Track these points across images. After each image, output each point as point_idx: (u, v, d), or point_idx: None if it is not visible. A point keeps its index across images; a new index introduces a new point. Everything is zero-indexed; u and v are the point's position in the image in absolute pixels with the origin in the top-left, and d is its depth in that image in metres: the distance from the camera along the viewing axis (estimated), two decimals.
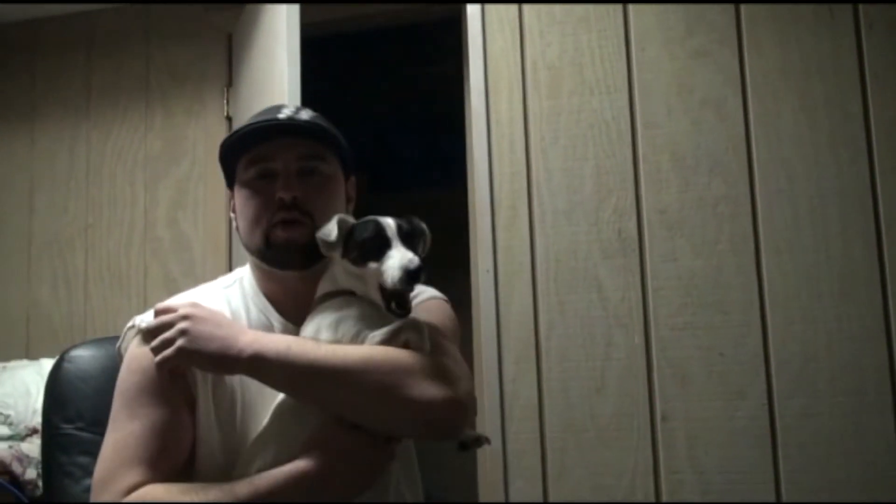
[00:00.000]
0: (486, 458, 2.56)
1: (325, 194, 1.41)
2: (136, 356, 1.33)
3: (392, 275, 1.22)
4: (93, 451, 1.46)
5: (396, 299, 1.27)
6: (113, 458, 1.28)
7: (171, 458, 1.29)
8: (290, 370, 1.24)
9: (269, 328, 1.40)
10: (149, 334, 1.30)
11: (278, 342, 1.27)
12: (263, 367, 1.25)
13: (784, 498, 2.38)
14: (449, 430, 1.31)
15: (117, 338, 1.44)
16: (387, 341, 1.26)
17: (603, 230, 2.59)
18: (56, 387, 1.55)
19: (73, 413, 1.51)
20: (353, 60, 4.45)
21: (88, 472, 1.44)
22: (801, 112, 2.52)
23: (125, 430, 1.29)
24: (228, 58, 3.19)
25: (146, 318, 1.35)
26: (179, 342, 1.24)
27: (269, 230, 1.37)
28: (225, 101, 3.16)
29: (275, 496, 1.21)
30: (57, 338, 2.95)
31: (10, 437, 2.57)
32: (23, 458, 2.41)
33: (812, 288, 2.45)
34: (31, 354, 3.04)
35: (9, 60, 3.37)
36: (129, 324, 1.39)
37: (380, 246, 1.26)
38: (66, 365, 1.56)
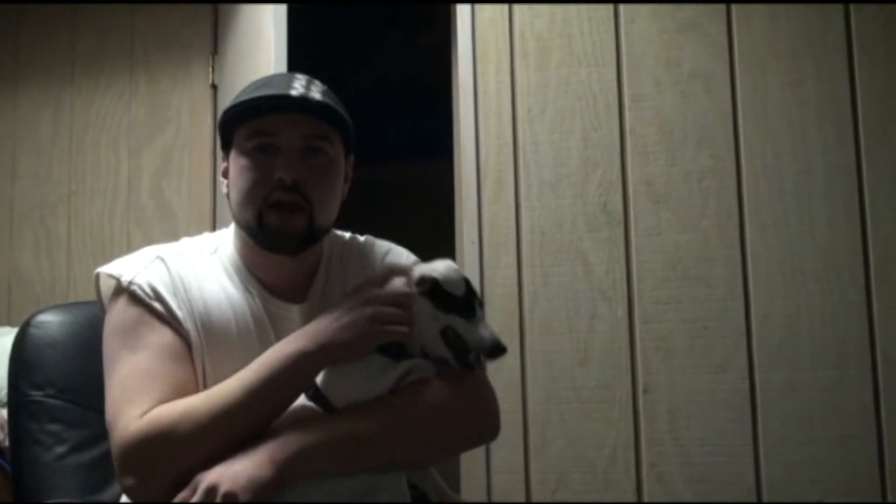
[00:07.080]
0: None
1: (327, 178, 1.35)
2: (125, 300, 1.31)
3: (482, 346, 1.33)
4: (63, 418, 1.45)
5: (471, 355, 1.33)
6: (121, 394, 1.22)
7: (181, 382, 1.24)
8: (339, 456, 1.19)
9: (252, 305, 1.35)
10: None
11: (312, 434, 1.18)
12: (313, 464, 1.17)
13: (763, 470, 2.40)
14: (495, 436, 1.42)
15: (83, 303, 1.41)
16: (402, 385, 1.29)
17: (589, 203, 2.59)
18: (23, 353, 1.50)
19: (41, 379, 1.47)
20: (339, 29, 4.40)
21: (60, 440, 1.44)
22: (788, 87, 2.52)
23: (130, 365, 1.24)
24: (214, 25, 3.15)
25: (123, 271, 1.33)
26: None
27: (262, 209, 1.31)
28: (210, 69, 3.12)
29: (276, 375, 1.20)
30: (39, 305, 2.89)
31: None
32: (4, 425, 2.40)
33: (795, 263, 2.46)
34: (13, 321, 3.01)
35: None
36: (105, 271, 1.37)
37: (467, 307, 1.31)
38: (32, 331, 1.52)
